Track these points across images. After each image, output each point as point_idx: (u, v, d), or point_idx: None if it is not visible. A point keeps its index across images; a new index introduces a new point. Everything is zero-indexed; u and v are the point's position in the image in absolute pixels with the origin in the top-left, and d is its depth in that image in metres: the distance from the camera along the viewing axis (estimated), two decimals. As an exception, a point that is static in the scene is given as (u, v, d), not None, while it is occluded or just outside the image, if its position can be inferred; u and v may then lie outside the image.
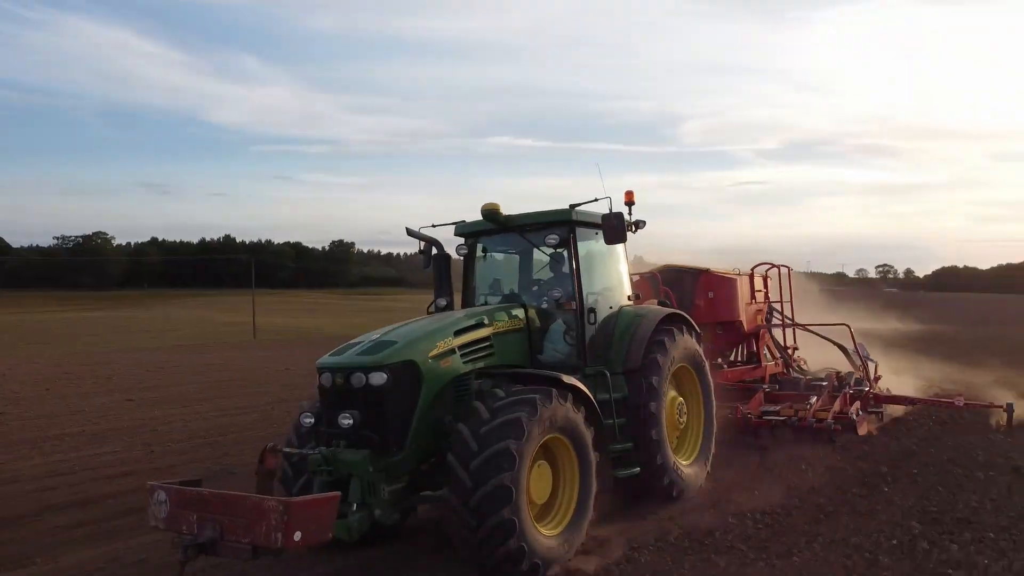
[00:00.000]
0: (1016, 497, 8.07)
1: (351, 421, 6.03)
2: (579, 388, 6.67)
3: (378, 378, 6.07)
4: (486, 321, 7.14)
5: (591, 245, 8.24)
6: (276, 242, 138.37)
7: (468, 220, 8.50)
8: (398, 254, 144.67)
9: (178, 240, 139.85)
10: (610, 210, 7.61)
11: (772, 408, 11.20)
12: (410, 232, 8.53)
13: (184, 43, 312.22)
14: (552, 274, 8.23)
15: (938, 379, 16.27)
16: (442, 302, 8.33)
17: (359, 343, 6.60)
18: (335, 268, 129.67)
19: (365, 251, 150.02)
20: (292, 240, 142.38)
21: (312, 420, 6.42)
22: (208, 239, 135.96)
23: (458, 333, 6.79)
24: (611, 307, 8.19)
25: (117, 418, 15.22)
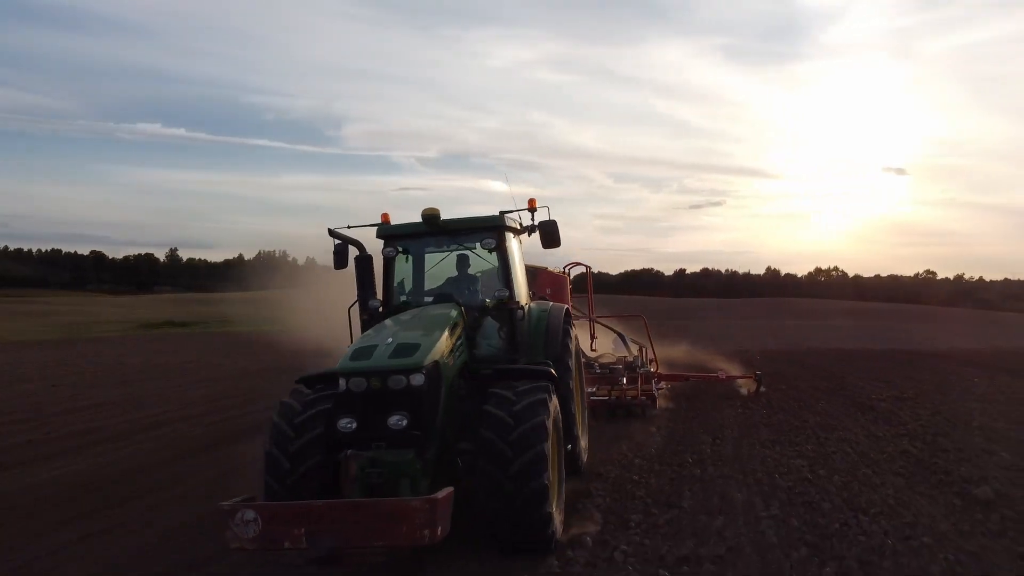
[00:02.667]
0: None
1: (405, 422, 6.14)
2: (555, 380, 7.19)
3: (418, 379, 6.20)
4: (457, 319, 7.42)
5: (511, 249, 8.70)
6: None
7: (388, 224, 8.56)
8: (34, 251, 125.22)
9: None
10: (548, 218, 8.31)
11: (590, 389, 13.16)
12: (332, 232, 8.36)
13: None
14: (477, 275, 8.70)
15: (675, 359, 19.95)
16: (375, 303, 8.23)
17: (372, 346, 6.49)
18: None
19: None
20: None
21: (354, 425, 6.27)
22: None
23: (451, 331, 7.06)
24: (524, 304, 8.70)
25: None
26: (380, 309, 8.27)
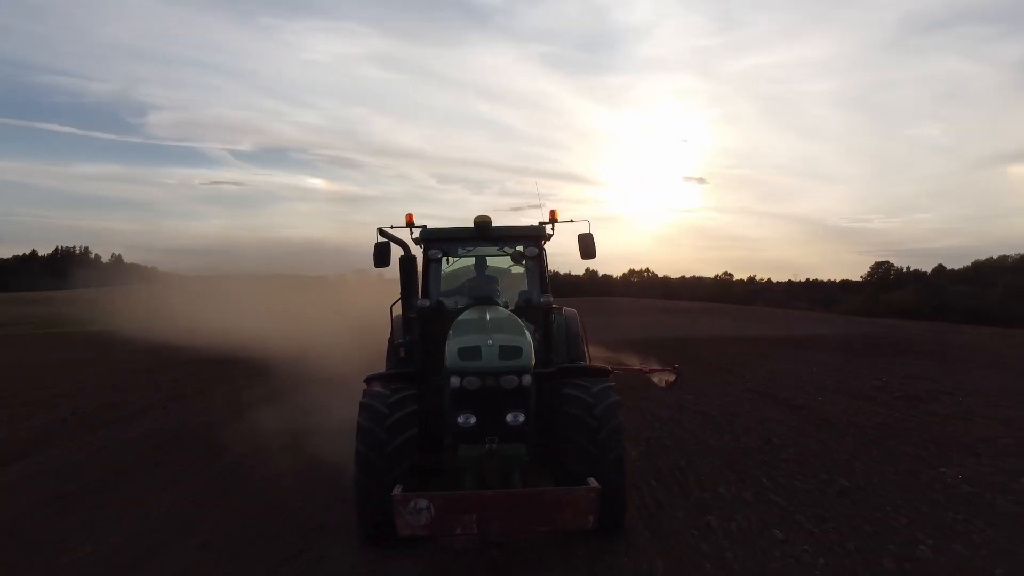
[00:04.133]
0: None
1: (521, 418, 6.61)
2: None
3: (527, 379, 6.65)
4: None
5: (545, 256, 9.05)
6: None
7: (431, 226, 8.83)
8: None
9: None
10: (587, 231, 8.65)
11: None
12: (382, 232, 8.56)
13: None
14: (496, 277, 9.19)
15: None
16: (425, 302, 8.34)
17: (475, 347, 6.71)
18: None
19: None
20: None
21: (474, 420, 6.61)
22: None
23: (529, 333, 7.34)
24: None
25: None
26: (428, 307, 8.32)
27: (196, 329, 27.02)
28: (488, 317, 7.57)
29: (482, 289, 9.01)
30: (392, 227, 8.68)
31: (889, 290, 76.52)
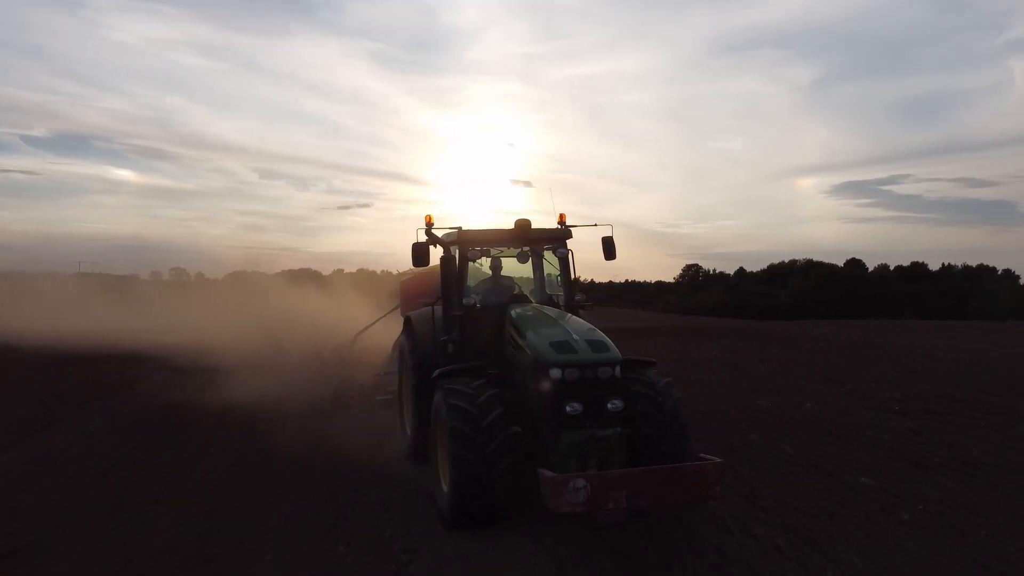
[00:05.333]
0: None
1: (621, 405, 7.16)
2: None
3: (619, 371, 7.24)
4: None
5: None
6: None
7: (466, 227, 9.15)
8: None
9: None
10: (610, 235, 9.28)
11: None
12: (429, 232, 8.97)
13: None
14: (543, 278, 9.84)
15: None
16: (471, 299, 8.86)
17: (564, 342, 7.29)
18: None
19: None
20: None
21: (580, 408, 7.01)
22: None
23: None
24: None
25: None
26: (474, 304, 8.84)
27: (46, 329, 24.93)
28: (552, 314, 8.22)
29: (508, 289, 9.50)
30: (433, 228, 9.05)
31: (698, 290, 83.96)
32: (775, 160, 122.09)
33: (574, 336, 7.43)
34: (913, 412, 12.83)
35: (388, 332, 15.62)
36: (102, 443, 11.05)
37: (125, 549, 6.89)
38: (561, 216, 9.53)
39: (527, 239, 9.25)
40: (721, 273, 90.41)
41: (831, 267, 74.95)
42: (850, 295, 52.39)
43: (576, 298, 9.16)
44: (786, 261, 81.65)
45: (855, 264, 75.52)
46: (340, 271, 52.12)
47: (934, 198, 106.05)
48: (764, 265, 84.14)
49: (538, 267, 9.87)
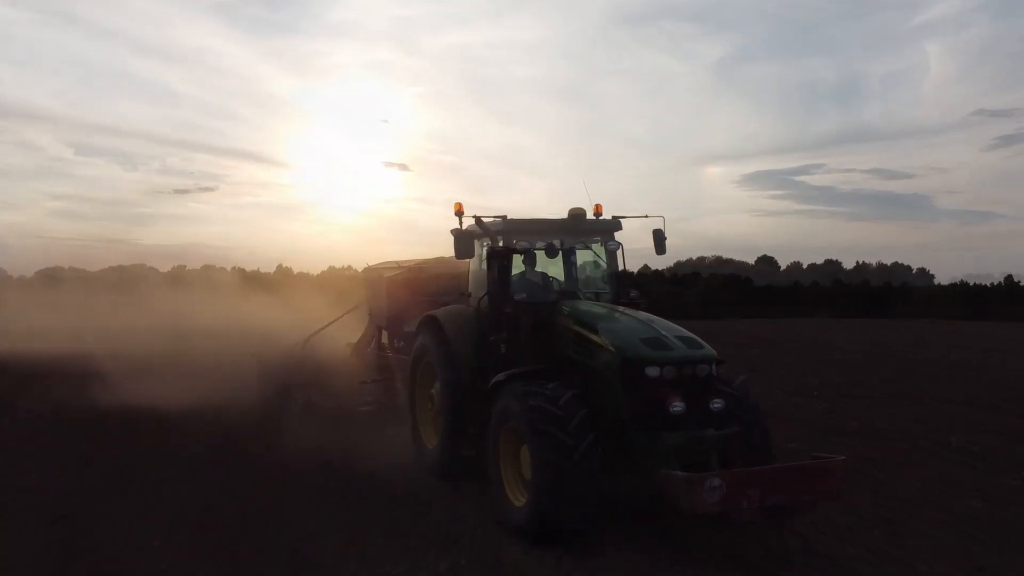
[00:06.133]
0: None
1: (721, 404, 6.87)
2: None
3: (715, 368, 7.02)
4: None
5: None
6: None
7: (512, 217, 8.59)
8: None
9: None
10: (662, 228, 8.80)
11: None
12: (480, 222, 8.36)
13: None
14: (588, 272, 9.29)
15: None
16: (524, 294, 8.38)
17: (656, 338, 6.99)
18: None
19: None
20: None
21: (682, 408, 6.66)
22: None
23: None
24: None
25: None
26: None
27: None
28: (623, 310, 7.93)
29: (548, 284, 8.93)
30: (484, 217, 8.37)
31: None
32: (681, 146, 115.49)
33: (663, 332, 7.17)
34: (828, 396, 14.58)
35: (346, 334, 14.41)
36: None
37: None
38: (597, 207, 9.03)
39: (579, 230, 8.90)
40: (624, 270, 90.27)
41: (742, 265, 75.00)
42: (762, 295, 53.83)
43: (632, 295, 8.76)
44: (694, 259, 79.56)
45: (767, 262, 76.41)
46: (182, 267, 44.89)
47: (848, 190, 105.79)
48: (671, 263, 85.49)
49: (571, 262, 9.20)
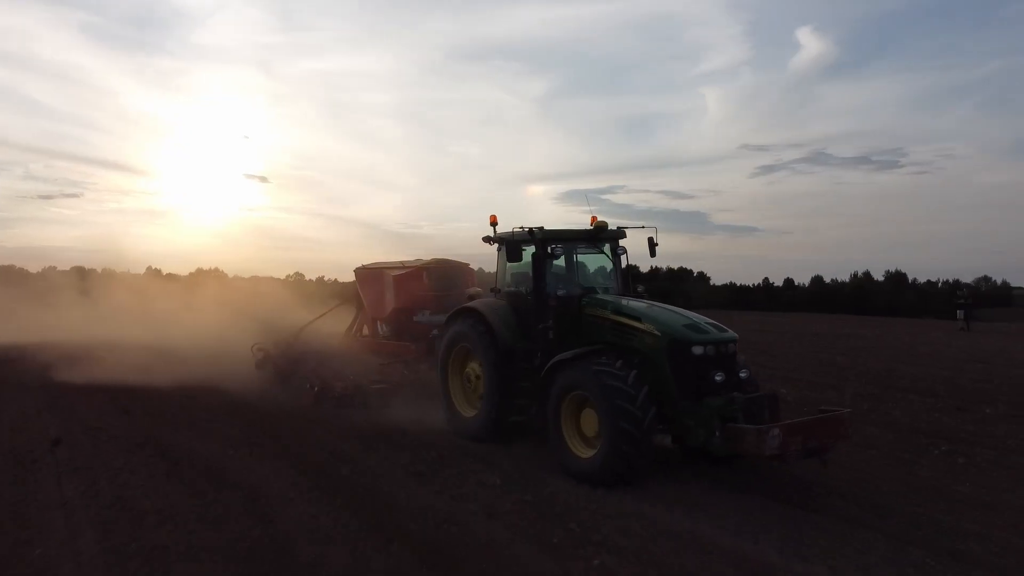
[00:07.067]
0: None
1: (749, 373, 8.62)
2: None
3: (736, 346, 8.69)
4: None
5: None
6: None
7: (546, 227, 9.82)
8: None
9: None
10: (655, 235, 10.32)
11: None
12: (532, 231, 9.74)
13: None
14: (597, 271, 10.65)
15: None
16: (564, 291, 9.81)
17: (693, 323, 8.66)
18: None
19: None
20: None
21: (722, 376, 8.28)
22: None
23: None
24: None
25: None
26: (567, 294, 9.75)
27: None
28: (649, 302, 9.48)
29: (571, 281, 10.18)
30: (529, 228, 9.76)
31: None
32: (509, 167, 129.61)
33: (695, 319, 8.78)
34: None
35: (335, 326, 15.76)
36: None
37: None
38: (593, 218, 10.31)
39: (600, 238, 10.27)
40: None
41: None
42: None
43: (639, 289, 10.35)
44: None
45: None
46: (52, 268, 42.50)
47: (644, 207, 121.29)
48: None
49: (583, 263, 10.62)
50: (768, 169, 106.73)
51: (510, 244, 9.82)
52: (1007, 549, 6.63)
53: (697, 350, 8.31)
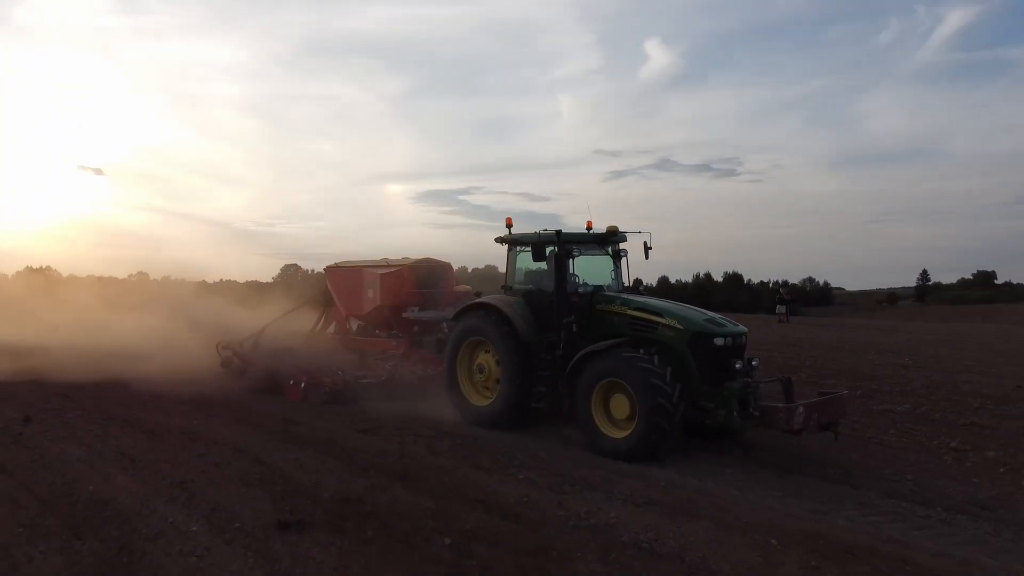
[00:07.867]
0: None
1: (758, 362, 10.07)
2: None
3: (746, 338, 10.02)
4: None
5: None
6: None
7: (564, 230, 10.84)
8: None
9: None
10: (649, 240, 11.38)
11: None
12: (559, 234, 10.79)
13: None
14: (598, 272, 11.51)
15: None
16: (586, 288, 10.93)
17: (711, 318, 10.02)
18: None
19: None
20: None
21: (740, 365, 9.57)
22: None
23: None
24: None
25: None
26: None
27: None
28: (666, 301, 10.80)
29: (583, 280, 11.20)
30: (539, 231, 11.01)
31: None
32: (365, 165, 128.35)
33: (710, 315, 10.13)
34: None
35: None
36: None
37: None
38: (588, 223, 11.21)
39: (610, 241, 11.29)
40: (320, 273, 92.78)
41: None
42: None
43: (641, 287, 12.02)
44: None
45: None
46: None
47: (501, 208, 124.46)
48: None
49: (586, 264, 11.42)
50: (618, 174, 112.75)
51: (536, 245, 10.65)
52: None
53: (719, 341, 9.57)
